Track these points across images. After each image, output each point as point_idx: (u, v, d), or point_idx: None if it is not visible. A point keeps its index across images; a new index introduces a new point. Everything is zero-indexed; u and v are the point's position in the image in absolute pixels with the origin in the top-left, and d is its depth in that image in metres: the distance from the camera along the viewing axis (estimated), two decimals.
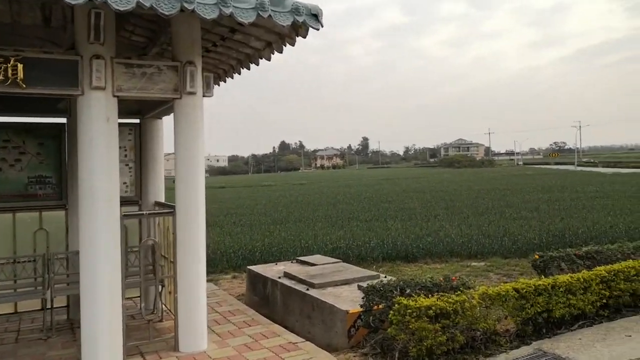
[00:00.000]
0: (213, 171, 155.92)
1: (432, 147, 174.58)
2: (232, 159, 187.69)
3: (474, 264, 10.66)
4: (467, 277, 9.58)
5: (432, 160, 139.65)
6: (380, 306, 5.40)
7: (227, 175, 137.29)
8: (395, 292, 5.41)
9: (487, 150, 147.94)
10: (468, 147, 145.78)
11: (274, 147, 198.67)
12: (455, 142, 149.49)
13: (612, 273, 5.95)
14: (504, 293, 5.18)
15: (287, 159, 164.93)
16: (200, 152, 5.52)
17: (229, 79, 7.19)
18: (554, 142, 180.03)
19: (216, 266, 11.05)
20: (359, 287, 6.70)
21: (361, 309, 5.64)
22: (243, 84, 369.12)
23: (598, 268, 6.06)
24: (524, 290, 5.31)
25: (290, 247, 11.59)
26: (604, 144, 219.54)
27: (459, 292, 5.35)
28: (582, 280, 5.67)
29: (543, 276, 6.39)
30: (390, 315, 4.94)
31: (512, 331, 5.51)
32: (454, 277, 5.72)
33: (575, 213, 16.07)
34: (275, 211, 21.19)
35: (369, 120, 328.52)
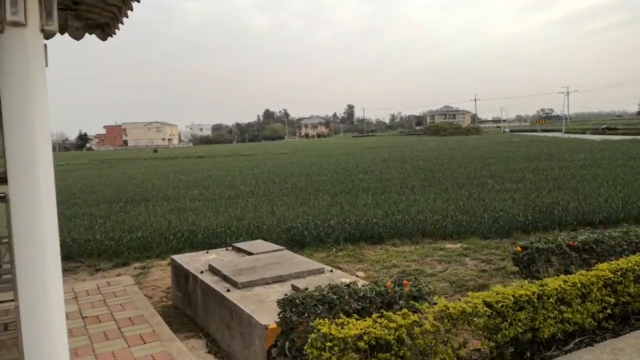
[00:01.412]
0: (196, 140, 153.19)
1: (418, 114, 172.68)
2: (216, 127, 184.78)
3: (448, 245, 9.16)
4: (440, 262, 8.12)
5: (417, 128, 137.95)
6: (301, 327, 3.87)
7: (210, 144, 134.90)
8: (320, 307, 3.85)
9: (474, 117, 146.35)
10: (454, 115, 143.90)
11: (258, 116, 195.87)
12: (441, 110, 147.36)
13: (619, 273, 4.45)
14: (470, 310, 3.63)
15: (271, 127, 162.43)
16: (38, 113, 3.79)
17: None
18: (541, 109, 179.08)
19: (152, 250, 9.50)
20: (293, 287, 5.19)
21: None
22: (226, 50, 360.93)
23: (599, 266, 4.54)
24: (500, 305, 3.78)
25: (241, 227, 10.03)
26: (592, 110, 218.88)
27: (411, 304, 3.83)
28: (579, 285, 4.16)
29: (527, 276, 4.89)
30: (305, 348, 3.40)
31: (485, 355, 4.03)
32: (405, 282, 4.17)
33: (564, 184, 14.61)
34: (242, 183, 19.60)
35: (355, 87, 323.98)
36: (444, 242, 9.44)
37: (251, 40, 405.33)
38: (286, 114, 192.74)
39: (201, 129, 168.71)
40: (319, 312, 3.83)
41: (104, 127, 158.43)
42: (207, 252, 7.14)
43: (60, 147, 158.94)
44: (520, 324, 3.83)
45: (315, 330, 3.39)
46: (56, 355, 3.74)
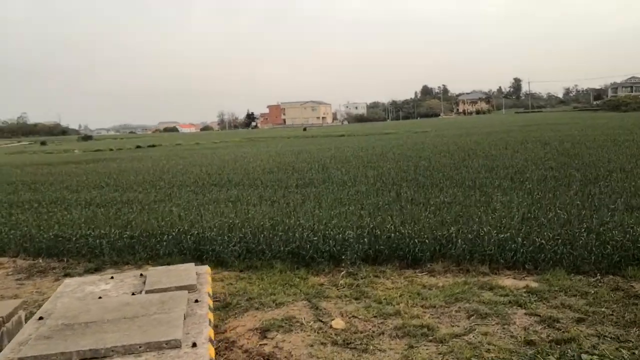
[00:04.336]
0: (351, 118, 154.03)
1: (598, 87, 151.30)
2: (373, 105, 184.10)
3: (506, 282, 6.02)
4: (471, 314, 5.13)
5: (595, 103, 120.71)
6: None
7: (363, 122, 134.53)
8: None
9: None
10: None
11: (415, 93, 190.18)
12: (626, 81, 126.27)
13: None
14: None
15: (427, 104, 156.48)
16: None
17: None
18: None
19: (136, 254, 7.93)
20: None
21: None
22: (387, 30, 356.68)
23: None
24: None
25: (248, 230, 7.92)
26: None
27: None
28: None
29: None
30: None
31: None
32: None
33: None
34: (321, 170, 17.24)
35: (524, 59, 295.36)
36: (503, 276, 6.30)
37: (409, 15, 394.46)
38: (445, 90, 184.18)
39: (356, 107, 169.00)
40: None
41: (267, 106, 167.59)
42: (112, 277, 5.22)
43: (230, 126, 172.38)
44: None
45: None
46: None
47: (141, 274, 5.24)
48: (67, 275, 7.44)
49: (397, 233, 7.24)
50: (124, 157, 34.38)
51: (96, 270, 7.54)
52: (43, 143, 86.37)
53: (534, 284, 5.90)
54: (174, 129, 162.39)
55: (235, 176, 16.41)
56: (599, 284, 5.79)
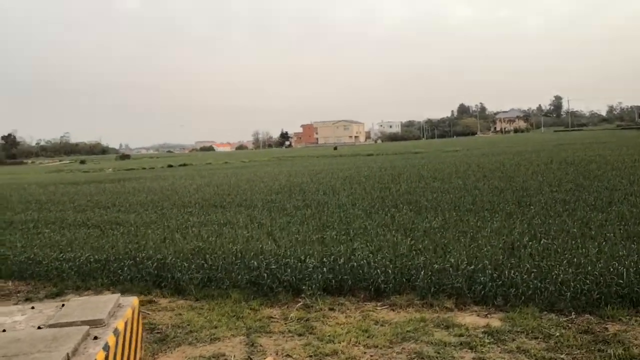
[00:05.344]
0: (384, 137, 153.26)
1: None
2: (408, 124, 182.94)
3: (468, 320, 5.48)
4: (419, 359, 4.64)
5: None
6: None
7: (397, 141, 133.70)
8: None
9: None
10: None
11: (452, 111, 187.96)
12: None
13: None
14: None
15: (463, 122, 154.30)
16: None
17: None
18: None
19: (97, 279, 7.71)
20: None
21: None
22: (421, 46, 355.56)
23: None
24: None
25: (215, 255, 7.60)
26: None
27: None
28: None
29: None
30: None
31: None
32: None
33: None
34: (328, 190, 16.89)
35: (564, 77, 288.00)
36: (468, 312, 5.76)
37: (449, 33, 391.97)
38: (482, 108, 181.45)
39: (390, 126, 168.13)
40: None
41: (301, 125, 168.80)
42: (33, 307, 4.96)
43: (264, 145, 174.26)
44: None
45: None
46: None
47: (63, 305, 4.97)
48: (27, 299, 7.31)
49: (364, 262, 6.78)
50: (149, 176, 34.88)
51: (57, 295, 7.37)
52: (82, 162, 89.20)
53: (496, 323, 5.34)
54: (210, 148, 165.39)
55: (240, 197, 16.21)
56: (569, 325, 5.19)
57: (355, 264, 6.71)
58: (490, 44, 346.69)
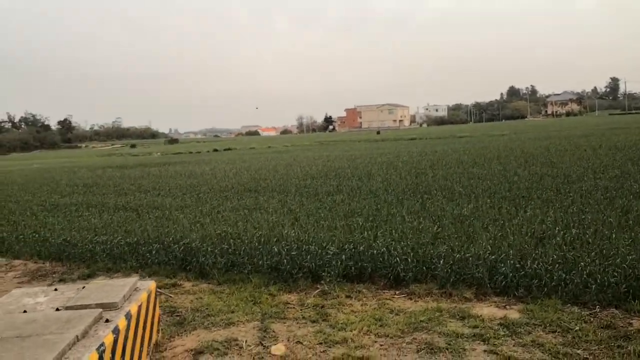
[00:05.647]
0: (430, 121, 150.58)
1: None
2: (455, 107, 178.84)
3: (485, 311, 5.34)
4: (425, 348, 4.55)
5: None
6: None
7: (444, 125, 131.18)
8: None
9: None
10: None
11: (501, 94, 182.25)
12: None
13: None
14: None
15: (513, 106, 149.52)
16: None
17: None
18: None
19: (127, 261, 7.96)
20: None
21: None
22: (466, 29, 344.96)
23: None
24: None
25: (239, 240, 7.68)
26: None
27: None
28: None
29: None
30: None
31: None
32: None
33: None
34: (363, 175, 16.79)
35: (622, 56, 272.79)
36: (487, 303, 5.61)
37: (497, 12, 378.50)
38: (533, 91, 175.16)
39: (437, 110, 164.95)
40: None
41: (345, 110, 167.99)
42: (56, 289, 5.19)
43: (309, 129, 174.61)
44: None
45: None
46: None
47: (83, 287, 5.17)
48: (61, 280, 7.64)
49: (384, 249, 6.71)
50: (193, 160, 35.67)
51: (89, 276, 7.66)
52: (133, 146, 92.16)
53: (514, 315, 5.19)
54: (255, 133, 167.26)
55: (275, 182, 16.34)
56: (591, 319, 4.98)
57: (375, 251, 6.65)
58: (542, 23, 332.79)
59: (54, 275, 7.96)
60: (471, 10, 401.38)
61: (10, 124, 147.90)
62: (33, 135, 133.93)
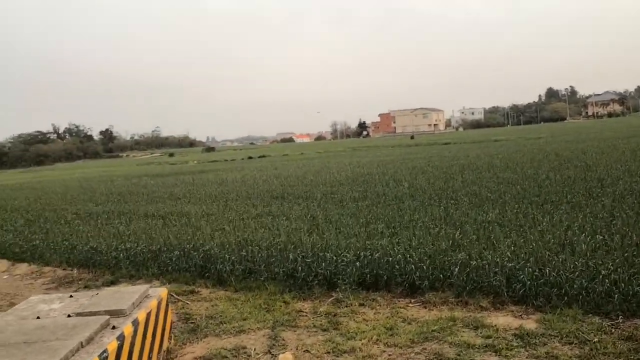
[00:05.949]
0: (466, 124, 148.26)
1: None
2: (491, 110, 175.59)
3: (501, 320, 5.17)
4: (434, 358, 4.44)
5: None
6: None
7: (481, 128, 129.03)
8: None
9: None
10: None
11: (539, 96, 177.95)
12: None
13: None
14: None
15: (552, 107, 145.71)
16: None
17: None
18: None
19: (149, 269, 8.11)
20: None
21: None
22: (502, 25, 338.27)
23: None
24: None
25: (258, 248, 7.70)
26: None
27: None
28: None
29: None
30: None
31: None
32: None
33: None
34: (386, 183, 16.64)
35: None
36: (504, 312, 5.43)
37: (533, 12, 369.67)
38: (573, 92, 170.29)
39: (472, 113, 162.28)
40: None
41: (379, 115, 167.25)
42: (71, 295, 5.32)
43: (343, 135, 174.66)
44: None
45: None
46: None
47: (97, 294, 5.27)
48: (86, 287, 7.84)
49: (400, 257, 6.60)
50: (227, 167, 36.17)
51: (112, 282, 7.84)
52: (171, 155, 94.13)
53: (530, 325, 5.01)
54: (290, 140, 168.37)
55: (302, 188, 16.37)
56: (612, 330, 4.75)
57: (391, 258, 6.55)
58: (580, 21, 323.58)
59: (79, 282, 8.17)
60: (508, 7, 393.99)
61: (55, 134, 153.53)
62: (77, 145, 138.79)
